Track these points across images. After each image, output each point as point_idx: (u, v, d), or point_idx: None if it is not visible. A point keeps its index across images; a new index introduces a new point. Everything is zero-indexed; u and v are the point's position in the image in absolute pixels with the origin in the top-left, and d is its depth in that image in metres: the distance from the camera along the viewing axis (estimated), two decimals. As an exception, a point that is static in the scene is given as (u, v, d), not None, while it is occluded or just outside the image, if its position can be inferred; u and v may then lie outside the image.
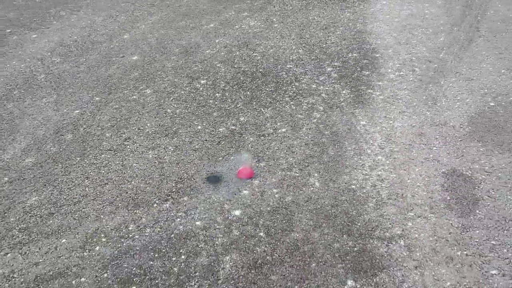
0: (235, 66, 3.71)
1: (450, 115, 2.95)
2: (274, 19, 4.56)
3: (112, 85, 3.58)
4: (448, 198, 2.33)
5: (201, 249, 2.13)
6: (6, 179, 2.66)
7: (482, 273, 1.94)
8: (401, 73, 3.47)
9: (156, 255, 2.12)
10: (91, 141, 2.94)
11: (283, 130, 2.91)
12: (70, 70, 3.88)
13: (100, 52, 4.15)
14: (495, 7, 4.46)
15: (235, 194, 2.43)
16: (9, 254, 2.18)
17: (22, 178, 2.67)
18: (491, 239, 2.09)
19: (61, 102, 3.41)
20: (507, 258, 2.00)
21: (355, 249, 2.08)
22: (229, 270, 2.02)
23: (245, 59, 3.82)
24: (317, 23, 4.41)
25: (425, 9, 4.56)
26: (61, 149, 2.89)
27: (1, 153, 2.88)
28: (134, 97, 3.40)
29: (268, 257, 2.07)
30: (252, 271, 2.01)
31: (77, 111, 3.28)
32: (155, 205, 2.40)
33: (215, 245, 2.15)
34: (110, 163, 2.73)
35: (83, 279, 2.03)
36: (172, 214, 2.34)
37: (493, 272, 1.94)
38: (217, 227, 2.24)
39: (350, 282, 1.94)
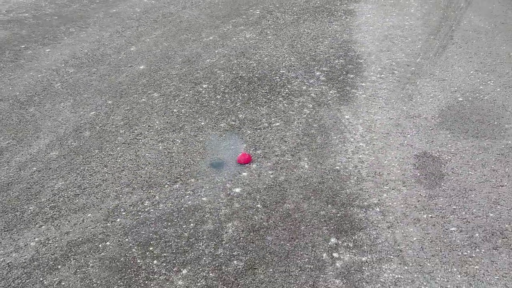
0: (233, 72, 4.13)
1: (424, 109, 3.35)
2: (268, 32, 5.00)
3: (122, 90, 3.99)
4: (418, 174, 2.71)
5: (207, 218, 2.50)
6: (35, 168, 3.04)
7: (443, 230, 2.32)
8: (382, 75, 3.88)
9: (169, 224, 2.49)
10: (107, 137, 3.33)
11: (277, 124, 3.30)
12: (83, 78, 4.28)
13: (109, 63, 4.56)
14: (468, 18, 4.91)
15: (236, 175, 2.81)
16: (43, 226, 2.55)
17: (48, 168, 3.05)
18: (453, 204, 2.47)
19: (77, 105, 3.80)
20: (465, 219, 2.38)
21: (338, 215, 2.46)
22: (231, 234, 2.39)
23: (242, 66, 4.23)
24: (307, 35, 4.84)
25: (405, 21, 5.01)
26: (80, 144, 3.27)
27: (28, 148, 3.26)
28: (143, 100, 3.80)
29: (264, 223, 2.44)
30: (251, 234, 2.38)
31: (93, 113, 3.67)
32: (166, 186, 2.78)
33: (219, 215, 2.52)
34: (125, 154, 3.12)
35: (108, 243, 2.40)
36: (181, 192, 2.71)
37: (453, 229, 2.32)
38: (221, 201, 2.62)
39: (333, 240, 2.31)
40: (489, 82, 3.61)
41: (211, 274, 2.17)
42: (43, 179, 2.94)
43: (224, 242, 2.35)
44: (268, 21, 5.31)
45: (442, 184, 2.62)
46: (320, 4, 5.77)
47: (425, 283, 2.05)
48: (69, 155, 3.15)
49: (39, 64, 4.67)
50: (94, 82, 4.18)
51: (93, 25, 5.70)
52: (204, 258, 2.26)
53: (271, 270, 2.17)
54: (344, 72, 3.96)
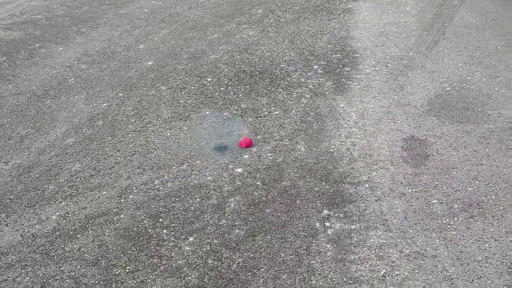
0: (236, 66, 4.38)
1: (413, 98, 3.59)
2: (270, 30, 5.25)
3: (132, 84, 4.25)
4: (406, 155, 2.95)
5: (212, 194, 2.75)
6: (53, 153, 3.31)
7: (426, 202, 2.55)
8: (376, 68, 4.12)
9: (177, 199, 2.74)
10: (118, 125, 3.59)
11: (276, 112, 3.55)
12: (95, 74, 4.55)
13: (120, 60, 4.83)
14: (460, 15, 5.15)
15: (238, 158, 3.06)
16: (63, 203, 2.81)
17: (65, 153, 3.31)
18: (435, 181, 2.71)
19: (90, 98, 4.07)
20: (446, 193, 2.61)
21: (331, 190, 2.70)
22: (233, 207, 2.64)
23: (244, 61, 4.49)
24: (307, 32, 5.09)
25: (400, 18, 5.25)
26: (94, 132, 3.54)
27: (46, 136, 3.53)
28: (152, 92, 4.06)
29: (263, 198, 2.69)
30: (251, 207, 2.63)
31: (105, 104, 3.94)
32: (174, 167, 3.03)
33: (222, 192, 2.77)
34: (135, 140, 3.38)
35: (122, 215, 2.65)
36: (188, 172, 2.97)
37: (434, 201, 2.56)
38: (224, 180, 2.87)
39: (325, 211, 2.55)
40: (476, 73, 3.84)
41: (215, 241, 2.42)
42: (61, 162, 3.20)
43: (227, 214, 2.60)
44: (270, 19, 5.57)
45: (427, 163, 2.86)
46: (320, 3, 6.02)
47: (407, 247, 2.29)
48: (84, 142, 3.42)
49: (53, 61, 4.95)
50: (106, 77, 4.45)
51: (103, 25, 5.98)
52: (209, 228, 2.51)
53: (269, 237, 2.42)
54: (341, 66, 4.21)
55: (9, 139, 3.50)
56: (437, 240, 2.30)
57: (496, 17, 4.96)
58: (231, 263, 2.29)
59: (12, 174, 3.10)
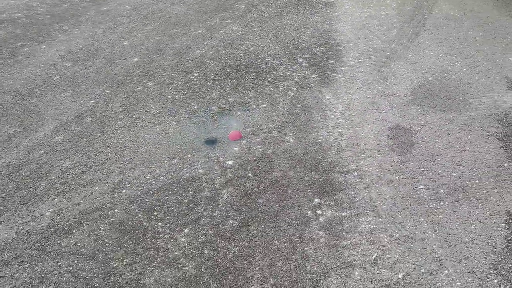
0: (222, 61, 4.42)
1: (397, 88, 3.68)
2: (254, 24, 5.30)
3: (119, 81, 4.26)
4: (392, 143, 3.04)
5: (204, 187, 2.80)
6: (43, 151, 3.30)
7: (413, 188, 2.64)
8: (360, 60, 4.21)
9: (170, 193, 2.77)
10: (107, 122, 3.60)
11: (264, 105, 3.60)
12: (80, 71, 4.54)
13: (104, 57, 4.82)
14: (440, 7, 5.26)
15: (228, 150, 3.11)
16: (56, 199, 2.82)
17: (55, 150, 3.31)
18: (421, 167, 2.80)
19: (77, 95, 4.06)
20: (431, 178, 2.70)
21: (320, 180, 2.77)
22: (226, 198, 2.69)
23: (230, 56, 4.53)
24: (290, 26, 5.15)
25: (381, 11, 5.34)
26: (83, 129, 3.54)
27: (35, 134, 3.52)
28: (139, 88, 4.07)
29: (255, 189, 2.75)
30: (244, 198, 2.68)
31: (92, 101, 3.94)
32: (165, 161, 3.07)
33: (214, 184, 2.81)
34: (125, 135, 3.39)
35: (116, 210, 2.68)
36: (180, 166, 3.00)
37: (421, 187, 2.64)
38: (215, 172, 2.91)
39: (316, 200, 2.62)
40: (456, 63, 3.95)
41: (210, 232, 2.47)
42: (51, 160, 3.20)
43: (220, 205, 2.64)
44: (253, 14, 5.61)
45: (413, 151, 2.95)
46: (302, -3, 6.08)
47: (396, 231, 2.37)
48: (73, 139, 3.42)
49: (36, 60, 4.91)
50: (91, 74, 4.44)
51: (86, 22, 5.94)
52: (203, 219, 2.55)
53: (262, 226, 2.47)
54: (325, 58, 4.28)
55: (-4, 138, 3.48)
56: (425, 224, 2.39)
57: (473, 9, 5.09)
58: (227, 252, 2.34)
59: (2, 172, 3.09)
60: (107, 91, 4.07)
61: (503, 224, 2.34)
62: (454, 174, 2.72)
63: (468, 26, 4.67)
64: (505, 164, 2.75)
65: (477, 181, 2.64)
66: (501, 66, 3.84)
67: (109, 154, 3.20)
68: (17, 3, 7.02)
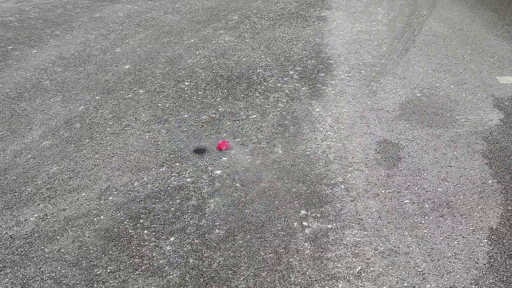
0: (214, 71, 4.44)
1: (386, 103, 3.72)
2: (246, 35, 5.34)
3: (109, 87, 4.25)
4: (379, 157, 3.07)
5: (191, 196, 2.80)
6: (30, 156, 3.28)
7: (398, 202, 2.66)
8: (350, 74, 4.25)
9: (157, 201, 2.77)
10: (96, 128, 3.59)
11: (254, 116, 3.62)
12: (71, 77, 4.53)
13: (96, 63, 4.82)
14: (429, 25, 5.35)
15: (216, 160, 3.12)
16: (41, 204, 2.80)
17: (42, 155, 3.29)
18: (407, 182, 2.83)
19: (67, 101, 4.05)
20: (417, 193, 2.73)
21: (308, 192, 2.79)
22: (213, 208, 2.69)
23: (221, 66, 4.55)
24: (282, 38, 5.20)
25: (372, 27, 5.42)
26: (72, 134, 3.53)
27: (22, 138, 3.50)
28: (130, 95, 4.07)
29: (242, 199, 2.75)
30: (231, 208, 2.69)
31: (82, 107, 3.93)
32: (153, 169, 3.06)
33: (202, 193, 2.82)
34: (114, 142, 3.39)
35: (102, 217, 2.67)
36: (168, 174, 3.00)
37: (406, 201, 2.67)
38: (203, 181, 2.92)
39: (303, 211, 2.63)
40: (444, 80, 4.01)
41: (195, 241, 2.47)
42: (38, 164, 3.19)
43: (207, 214, 2.64)
44: (246, 25, 5.65)
45: (399, 165, 2.98)
46: (295, 10, 6.15)
47: (381, 244, 2.39)
48: (61, 144, 3.41)
49: (27, 64, 4.90)
50: (82, 80, 4.43)
51: (78, 28, 5.94)
52: (189, 228, 2.55)
53: (248, 236, 2.48)
54: (316, 71, 4.32)
55: (-17, 142, 3.45)
56: (409, 238, 2.41)
57: (462, 27, 5.18)
58: (212, 262, 2.34)
59: (-12, 176, 3.07)
60: (98, 97, 4.07)
61: (486, 240, 2.37)
62: (439, 189, 2.75)
63: (456, 44, 4.75)
64: (489, 181, 2.79)
65: (461, 197, 2.68)
66: (488, 85, 3.91)
67: (97, 160, 3.19)
68: (9, 7, 7.02)
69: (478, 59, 4.38)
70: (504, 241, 2.37)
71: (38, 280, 2.27)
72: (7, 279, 2.28)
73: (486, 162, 2.97)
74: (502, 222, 2.49)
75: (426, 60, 4.44)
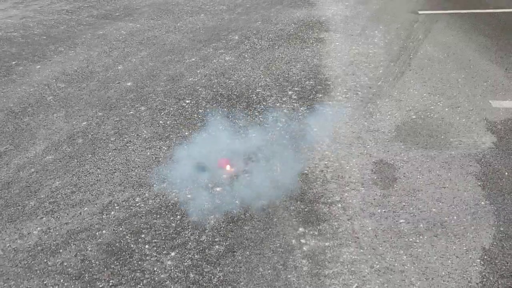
0: (214, 90, 4.54)
1: (382, 124, 3.82)
2: (246, 55, 5.46)
3: (111, 104, 4.34)
4: (375, 178, 3.15)
5: (192, 212, 2.86)
6: (33, 170, 3.35)
7: (394, 221, 2.74)
8: (347, 95, 4.36)
9: (158, 216, 2.83)
10: (99, 143, 3.66)
11: (253, 135, 3.70)
12: (74, 93, 4.62)
13: (98, 80, 4.92)
14: (425, 49, 5.49)
15: (217, 177, 3.18)
16: (44, 218, 2.85)
17: (45, 169, 3.35)
18: (403, 202, 2.90)
19: (69, 116, 4.13)
20: (412, 213, 2.80)
21: (306, 210, 2.86)
22: (213, 224, 2.76)
23: (222, 85, 4.65)
24: (281, 59, 5.32)
25: (369, 50, 5.55)
26: (74, 149, 3.60)
27: (26, 153, 3.57)
28: (131, 112, 4.16)
29: (242, 216, 2.82)
30: (230, 224, 2.75)
31: (84, 123, 4.00)
32: (155, 185, 3.13)
33: (202, 209, 2.88)
34: (116, 158, 3.46)
35: (104, 231, 2.72)
36: (169, 190, 3.07)
37: (402, 221, 2.74)
38: (203, 198, 2.98)
39: (301, 229, 2.70)
40: (439, 103, 4.12)
41: (196, 256, 2.52)
42: (41, 179, 3.24)
43: (207, 230, 2.71)
44: (246, 46, 5.78)
45: (395, 185, 3.06)
46: (294, 32, 6.29)
47: (377, 262, 2.45)
48: (64, 159, 3.47)
49: (30, 79, 4.98)
50: (85, 96, 4.52)
51: (81, 45, 6.05)
52: (190, 243, 2.61)
53: (247, 252, 2.54)
54: (314, 92, 4.42)
55: (-13, 155, 3.51)
56: (404, 257, 2.48)
57: (456, 52, 5.32)
58: (212, 277, 2.39)
59: (-8, 189, 3.12)
60: (100, 114, 4.15)
61: (478, 260, 2.44)
62: (434, 209, 2.83)
63: (451, 68, 4.88)
64: (482, 203, 2.87)
65: (455, 217, 2.75)
66: (481, 108, 4.02)
67: (99, 175, 3.26)
68: (13, 23, 7.14)
69: (472, 83, 4.51)
70: (497, 261, 2.44)
71: (41, 293, 2.31)
72: (11, 291, 2.32)
73: (479, 184, 3.05)
74: (494, 243, 2.56)
75: (421, 83, 4.55)
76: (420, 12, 7.09)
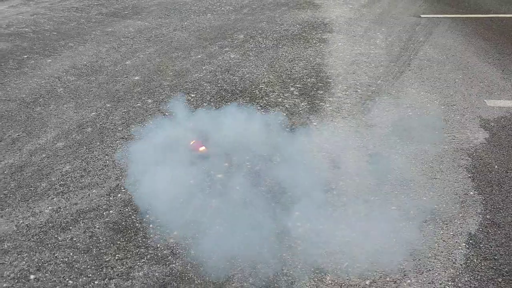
0: (219, 85, 4.70)
1: (379, 120, 3.97)
2: (250, 54, 5.62)
3: (119, 96, 4.51)
4: (370, 168, 3.29)
5: (194, 194, 3.01)
6: (44, 155, 3.52)
7: (386, 208, 2.88)
8: (347, 93, 4.51)
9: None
10: (107, 132, 3.83)
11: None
12: (83, 85, 4.80)
13: (107, 73, 5.09)
14: (425, 50, 5.64)
15: (218, 165, 3.34)
16: (55, 198, 3.02)
17: (56, 155, 3.52)
18: (395, 191, 3.05)
19: (79, 107, 4.31)
20: (403, 201, 2.95)
21: (302, 196, 3.00)
22: (215, 206, 2.91)
23: (226, 80, 4.82)
24: (285, 57, 5.48)
25: (371, 50, 5.70)
26: (84, 137, 3.77)
27: (37, 139, 3.74)
28: (139, 104, 4.33)
29: (242, 201, 2.97)
30: (231, 208, 2.90)
31: (93, 113, 4.18)
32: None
33: (204, 193, 3.03)
34: (123, 146, 3.62)
35: (111, 211, 2.88)
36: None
37: (393, 207, 2.89)
38: (206, 183, 3.13)
39: (297, 213, 2.84)
40: (435, 101, 4.27)
41: (197, 235, 2.67)
42: (52, 163, 3.41)
43: (208, 213, 2.86)
44: (251, 44, 5.95)
45: (389, 176, 3.20)
46: (298, 32, 6.45)
47: (367, 244, 2.59)
48: (74, 146, 3.64)
49: (42, 72, 5.17)
50: (94, 89, 4.69)
51: (91, 41, 6.24)
52: (192, 224, 2.76)
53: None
54: (315, 89, 4.58)
55: (0, 141, 3.69)
56: (394, 240, 2.62)
57: (455, 54, 5.47)
58: (212, 254, 2.54)
59: (5, 172, 3.29)
60: (108, 105, 4.32)
61: (464, 244, 2.58)
62: (424, 198, 2.97)
63: (449, 69, 5.02)
64: (471, 193, 3.01)
65: (444, 205, 2.89)
66: (476, 107, 4.16)
67: (107, 161, 3.42)
68: (25, 19, 7.34)
69: (468, 83, 4.65)
70: (481, 245, 2.58)
71: (52, 264, 2.47)
72: (24, 262, 2.49)
73: (470, 175, 3.19)
74: (480, 229, 2.70)
75: (419, 83, 4.70)
76: (422, 15, 7.25)
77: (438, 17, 7.13)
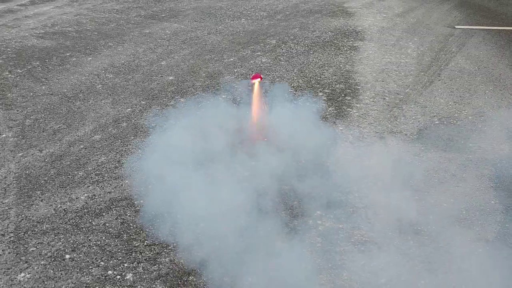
0: (250, 87, 4.85)
1: (405, 127, 4.03)
2: (282, 58, 5.76)
3: (154, 94, 4.72)
4: (393, 174, 3.36)
5: (220, 189, 3.15)
6: (82, 146, 3.73)
7: (406, 212, 2.95)
8: (375, 100, 4.58)
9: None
10: (140, 128, 4.03)
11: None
12: (120, 83, 5.03)
13: (143, 73, 5.32)
14: (456, 61, 5.64)
15: (244, 161, 3.47)
16: (90, 186, 3.22)
17: (93, 147, 3.74)
18: (416, 196, 3.10)
19: (116, 103, 4.53)
20: (424, 206, 3.00)
21: (324, 197, 3.10)
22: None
23: (256, 83, 4.95)
24: (315, 63, 5.59)
25: (401, 59, 5.75)
26: (119, 132, 3.97)
27: (76, 132, 3.97)
28: (172, 103, 4.52)
29: (265, 193, 3.09)
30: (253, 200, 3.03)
31: (129, 109, 4.39)
32: (189, 166, 3.44)
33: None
34: (156, 141, 3.80)
35: (142, 201, 3.06)
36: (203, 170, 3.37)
37: (413, 212, 2.95)
38: (237, 174, 3.27)
39: (318, 212, 2.95)
40: (463, 112, 4.29)
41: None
42: (89, 154, 3.62)
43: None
44: (282, 49, 6.08)
45: (411, 182, 3.26)
46: (330, 39, 6.55)
47: (385, 245, 2.67)
48: (109, 139, 3.85)
49: (82, 69, 5.44)
50: (130, 87, 4.92)
51: (129, 41, 6.51)
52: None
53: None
54: (343, 95, 4.67)
55: (43, 131, 3.93)
56: (411, 242, 2.69)
57: (487, 65, 5.45)
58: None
59: (46, 160, 3.52)
60: (143, 102, 4.52)
61: (480, 250, 2.63)
62: (445, 204, 3.02)
63: (480, 80, 5.02)
64: (492, 202, 3.05)
65: (463, 212, 2.94)
66: (505, 118, 4.16)
67: (140, 155, 3.60)
68: (68, 19, 7.69)
69: (498, 95, 4.64)
70: (497, 251, 2.62)
71: (86, 246, 2.66)
72: (60, 243, 2.68)
73: (492, 185, 3.22)
74: (498, 237, 2.74)
75: (448, 93, 4.72)
76: (457, 26, 7.22)
77: (473, 29, 7.09)
